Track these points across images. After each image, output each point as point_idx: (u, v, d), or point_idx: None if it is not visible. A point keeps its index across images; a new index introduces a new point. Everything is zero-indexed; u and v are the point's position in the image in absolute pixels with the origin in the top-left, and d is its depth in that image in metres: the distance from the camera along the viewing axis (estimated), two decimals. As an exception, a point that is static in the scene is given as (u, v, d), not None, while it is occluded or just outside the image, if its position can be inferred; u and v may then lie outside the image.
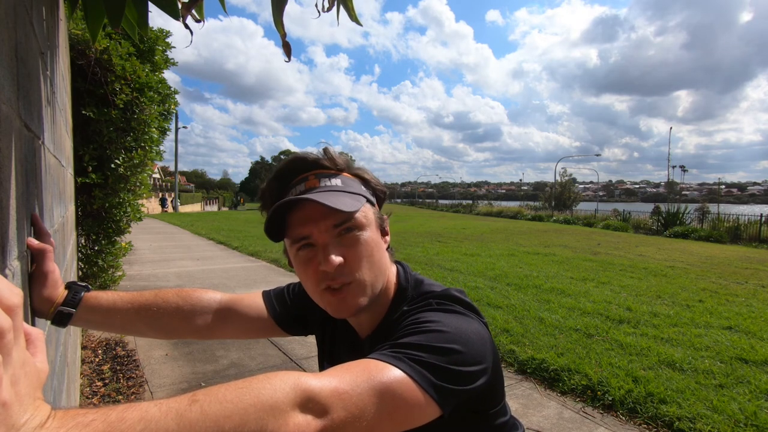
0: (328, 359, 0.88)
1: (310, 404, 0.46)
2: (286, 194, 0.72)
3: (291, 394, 0.44)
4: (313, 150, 0.75)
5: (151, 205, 29.49)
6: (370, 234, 0.72)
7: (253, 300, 0.91)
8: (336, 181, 0.72)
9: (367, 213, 0.72)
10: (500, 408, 0.72)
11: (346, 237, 0.69)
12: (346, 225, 0.69)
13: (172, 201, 32.32)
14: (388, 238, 0.78)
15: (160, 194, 35.19)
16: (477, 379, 0.60)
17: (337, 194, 0.69)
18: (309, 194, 0.67)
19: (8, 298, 0.34)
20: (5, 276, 0.51)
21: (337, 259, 0.67)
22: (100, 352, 3.35)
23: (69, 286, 0.79)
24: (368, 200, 0.74)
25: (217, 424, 0.39)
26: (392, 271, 0.79)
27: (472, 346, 0.61)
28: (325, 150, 0.75)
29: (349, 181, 0.73)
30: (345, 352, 0.84)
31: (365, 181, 0.77)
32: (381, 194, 0.79)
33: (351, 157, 0.78)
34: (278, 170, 0.74)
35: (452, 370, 0.57)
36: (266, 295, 0.94)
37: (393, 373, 0.53)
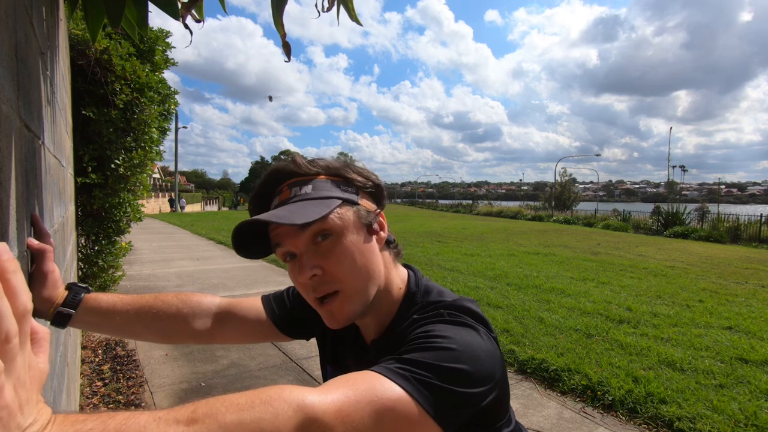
0: (330, 361, 0.88)
1: (313, 427, 0.45)
2: (268, 209, 0.73)
3: (293, 419, 0.44)
4: (286, 160, 0.74)
5: (151, 205, 29.55)
6: (349, 237, 0.68)
7: (252, 304, 0.91)
8: (307, 188, 0.69)
9: (343, 214, 0.68)
10: (505, 420, 0.71)
11: (322, 245, 0.66)
12: (317, 231, 0.66)
13: (177, 202, 32.88)
14: (383, 234, 0.74)
15: (169, 195, 35.70)
16: (483, 399, 0.59)
17: (301, 204, 0.67)
18: (266, 213, 0.65)
19: (24, 302, 0.34)
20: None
21: (310, 272, 0.66)
22: (100, 352, 3.35)
23: (69, 287, 0.79)
24: (346, 200, 0.69)
25: None
26: (401, 273, 0.78)
27: (481, 365, 0.60)
28: (294, 157, 0.73)
29: (323, 184, 0.70)
30: (349, 355, 0.83)
31: (344, 180, 0.72)
32: (371, 188, 0.74)
33: (351, 157, 0.76)
34: (257, 187, 0.75)
35: (458, 392, 0.56)
36: (265, 299, 0.93)
37: (397, 394, 0.52)
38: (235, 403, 0.42)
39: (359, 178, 0.73)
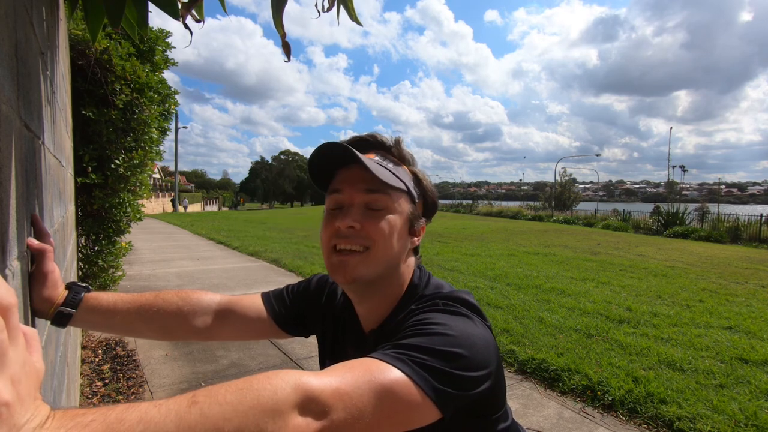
0: (329, 356, 0.88)
1: (311, 405, 0.46)
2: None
3: (292, 396, 0.44)
4: (389, 136, 0.82)
5: (151, 205, 29.58)
6: (396, 220, 0.73)
7: (252, 301, 0.92)
8: (390, 165, 0.76)
9: (401, 203, 0.75)
10: (501, 413, 0.72)
11: (372, 212, 0.72)
12: (376, 198, 0.72)
13: (181, 202, 33.32)
14: (416, 240, 0.79)
15: (171, 195, 36.15)
16: (479, 385, 0.60)
17: (383, 170, 0.72)
18: (359, 154, 0.70)
19: (3, 297, 0.33)
20: (5, 276, 0.51)
21: (352, 222, 0.71)
22: (100, 352, 3.35)
23: (69, 286, 0.79)
24: (410, 195, 0.76)
25: (217, 427, 0.39)
26: (410, 270, 0.80)
27: (476, 350, 0.61)
28: (397, 140, 0.81)
29: (402, 172, 0.77)
30: (349, 347, 0.84)
31: (417, 180, 0.80)
32: (430, 200, 0.82)
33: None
34: (354, 137, 0.81)
35: (455, 375, 0.57)
36: (265, 296, 0.94)
37: (394, 375, 0.53)
38: (233, 385, 0.43)
39: (428, 188, 0.81)
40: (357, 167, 0.72)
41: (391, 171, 0.74)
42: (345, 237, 0.71)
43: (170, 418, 0.38)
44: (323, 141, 0.81)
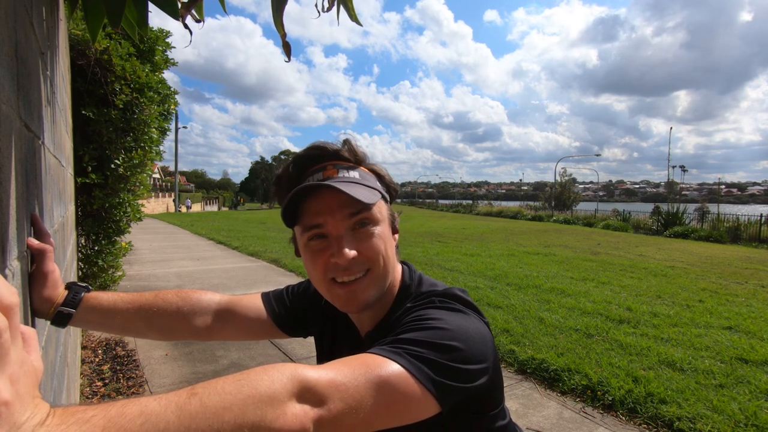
0: (327, 357, 0.88)
1: (307, 394, 0.46)
2: (302, 181, 0.73)
3: (288, 385, 0.45)
4: (334, 141, 0.76)
5: (151, 205, 29.61)
6: (384, 229, 0.72)
7: (252, 301, 0.92)
8: (354, 174, 0.72)
9: (381, 208, 0.73)
10: (499, 411, 0.72)
11: (361, 231, 0.70)
12: (361, 218, 0.69)
13: (184, 202, 33.64)
14: (397, 236, 0.79)
15: (172, 195, 36.56)
16: (477, 378, 0.60)
17: (355, 186, 0.69)
18: (328, 182, 0.67)
19: (6, 297, 0.34)
20: (5, 276, 0.51)
21: (351, 252, 0.67)
22: (100, 352, 3.35)
23: (69, 286, 0.79)
24: (383, 196, 0.74)
25: (217, 415, 0.40)
26: (398, 269, 0.80)
27: (473, 344, 0.61)
28: (346, 141, 0.75)
29: (366, 175, 0.74)
30: (346, 349, 0.84)
31: (380, 177, 0.77)
32: (393, 192, 0.80)
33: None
34: (297, 156, 0.75)
35: (452, 367, 0.57)
36: (265, 296, 0.94)
37: (391, 367, 0.53)
38: (231, 377, 0.44)
39: (390, 181, 0.79)
40: (328, 192, 0.67)
41: (362, 183, 0.71)
42: (347, 268, 0.68)
43: (170, 409, 0.38)
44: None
